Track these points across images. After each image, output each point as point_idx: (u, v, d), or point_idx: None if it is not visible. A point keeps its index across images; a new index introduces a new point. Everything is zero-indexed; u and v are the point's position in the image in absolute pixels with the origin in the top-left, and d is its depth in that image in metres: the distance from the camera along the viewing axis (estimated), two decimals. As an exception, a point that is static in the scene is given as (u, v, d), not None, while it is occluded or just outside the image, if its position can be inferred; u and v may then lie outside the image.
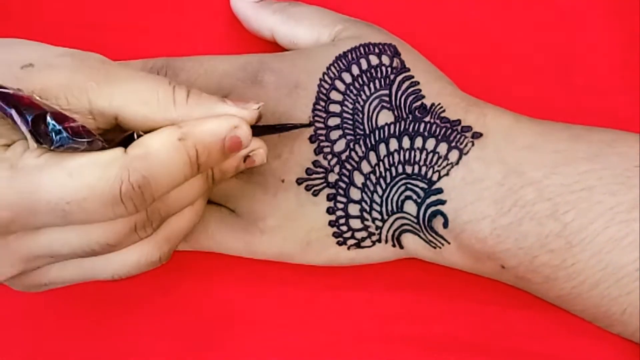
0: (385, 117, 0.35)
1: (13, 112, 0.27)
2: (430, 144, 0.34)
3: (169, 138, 0.30)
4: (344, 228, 0.35)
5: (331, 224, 0.35)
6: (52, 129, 0.27)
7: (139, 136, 0.30)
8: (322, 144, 0.35)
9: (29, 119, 0.27)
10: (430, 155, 0.34)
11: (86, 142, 0.28)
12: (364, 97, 0.35)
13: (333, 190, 0.35)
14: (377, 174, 0.35)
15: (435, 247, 0.35)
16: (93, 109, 0.30)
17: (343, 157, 0.35)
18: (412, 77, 0.35)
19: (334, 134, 0.35)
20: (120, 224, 0.30)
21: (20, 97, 0.27)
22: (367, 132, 0.35)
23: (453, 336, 0.37)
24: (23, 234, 0.29)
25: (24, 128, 0.27)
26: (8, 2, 0.41)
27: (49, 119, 0.27)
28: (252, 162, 0.33)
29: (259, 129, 0.33)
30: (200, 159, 0.30)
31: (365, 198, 0.35)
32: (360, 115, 0.35)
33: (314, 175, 0.35)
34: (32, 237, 0.30)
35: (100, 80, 0.30)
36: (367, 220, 0.35)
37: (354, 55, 0.36)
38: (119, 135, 0.30)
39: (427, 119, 0.35)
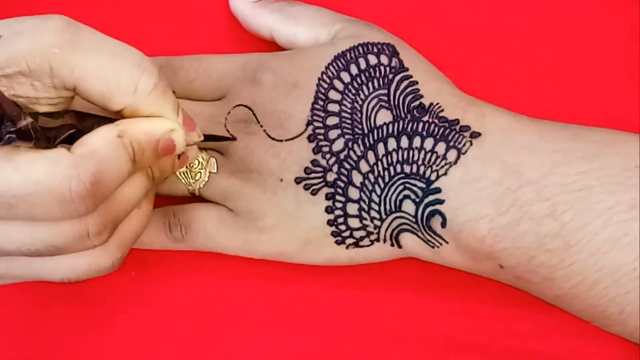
0: (383, 117, 0.35)
1: None
2: (429, 143, 0.34)
3: (109, 134, 0.29)
4: (343, 227, 0.35)
5: (330, 223, 0.35)
6: (5, 129, 0.27)
7: (80, 135, 0.30)
8: (320, 143, 0.35)
9: None
10: (428, 155, 0.34)
11: (33, 142, 0.28)
12: (362, 96, 0.35)
13: (331, 190, 0.35)
14: (376, 174, 0.35)
15: (433, 247, 0.35)
16: (54, 75, 0.29)
17: (341, 156, 0.35)
18: (411, 76, 0.35)
19: (333, 133, 0.35)
20: (68, 226, 0.29)
21: None
22: (366, 131, 0.35)
23: (453, 336, 0.37)
24: None
25: None
26: (7, 2, 0.41)
27: (5, 121, 0.27)
28: (186, 158, 0.34)
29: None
30: (137, 156, 0.30)
31: (364, 197, 0.35)
32: (359, 115, 0.35)
33: (313, 175, 0.35)
34: None
35: (64, 47, 0.29)
36: (366, 219, 0.35)
37: (352, 54, 0.36)
38: (61, 132, 0.30)
39: (425, 118, 0.35)
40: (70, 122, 0.30)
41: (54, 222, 0.29)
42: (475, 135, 0.34)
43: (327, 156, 0.35)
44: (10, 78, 0.29)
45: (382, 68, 0.35)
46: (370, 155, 0.35)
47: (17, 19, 0.30)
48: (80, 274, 0.32)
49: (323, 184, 0.35)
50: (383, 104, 0.35)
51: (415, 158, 0.34)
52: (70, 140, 0.30)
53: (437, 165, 0.34)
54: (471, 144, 0.34)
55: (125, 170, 0.30)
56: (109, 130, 0.30)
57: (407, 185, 0.34)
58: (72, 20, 0.30)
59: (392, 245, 0.36)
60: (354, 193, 0.35)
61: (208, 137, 0.35)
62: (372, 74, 0.35)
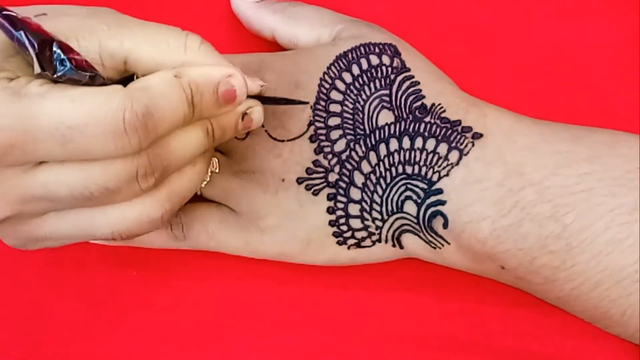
0: (385, 117, 0.35)
1: (22, 33, 0.27)
2: (431, 144, 0.34)
3: (165, 74, 0.29)
4: (344, 228, 0.35)
5: (331, 223, 0.35)
6: (57, 58, 0.27)
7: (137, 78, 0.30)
8: (322, 144, 0.35)
9: (35, 44, 0.27)
10: (430, 156, 0.34)
11: (88, 76, 0.28)
12: (364, 96, 0.35)
13: (333, 190, 0.35)
14: (377, 174, 0.35)
15: (435, 248, 0.35)
16: (102, 51, 0.29)
17: (343, 156, 0.35)
18: (413, 77, 0.35)
19: (335, 134, 0.35)
20: (120, 165, 0.29)
21: (29, 22, 0.27)
22: (368, 132, 0.35)
23: (453, 336, 0.37)
24: (21, 170, 0.29)
25: (30, 50, 0.27)
26: (7, 3, 0.41)
27: (54, 46, 0.27)
28: (250, 121, 0.33)
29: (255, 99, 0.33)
30: (195, 98, 0.30)
31: (366, 198, 0.35)
32: (361, 115, 0.35)
33: (314, 175, 0.35)
34: (29, 174, 0.29)
35: (112, 24, 0.30)
36: (367, 220, 0.35)
37: (354, 55, 0.36)
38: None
39: (427, 119, 0.35)
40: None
41: (107, 162, 0.29)
42: (477, 136, 0.34)
43: (329, 156, 0.35)
44: None
45: (384, 68, 0.35)
46: (372, 156, 0.35)
47: (63, 5, 0.31)
48: (130, 226, 0.31)
49: (325, 184, 0.35)
50: (385, 104, 0.35)
51: (417, 159, 0.34)
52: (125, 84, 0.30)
53: (439, 166, 0.34)
54: (473, 145, 0.34)
55: (181, 111, 0.30)
56: (166, 71, 0.30)
57: (409, 186, 0.34)
58: (116, 12, 0.31)
59: (394, 245, 0.36)
60: (355, 194, 0.35)
61: (277, 100, 0.34)
62: (374, 75, 0.35)
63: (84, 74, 0.28)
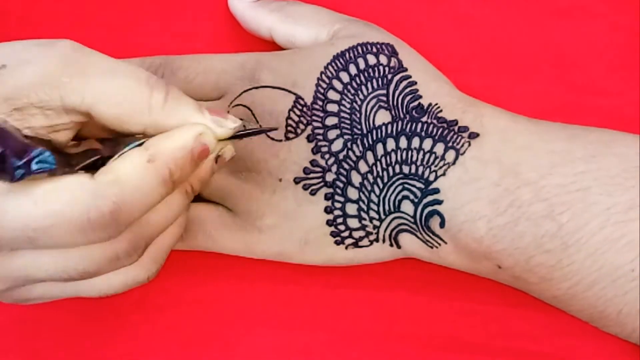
0: (382, 117, 0.35)
1: None
2: (427, 144, 0.34)
3: (138, 161, 0.28)
4: (342, 227, 0.35)
5: (329, 223, 0.35)
6: (13, 165, 0.26)
7: (104, 161, 0.29)
8: (319, 144, 0.35)
9: None
10: (427, 156, 0.34)
11: (47, 172, 0.27)
12: (361, 96, 0.35)
13: (331, 190, 0.35)
14: (375, 174, 0.35)
15: (432, 247, 0.35)
16: (65, 104, 0.29)
17: (340, 156, 0.35)
18: (410, 76, 0.35)
19: (332, 134, 0.35)
20: (97, 251, 0.29)
21: None
22: (365, 131, 0.35)
23: (452, 336, 0.37)
24: None
25: None
26: (7, 2, 0.41)
27: (8, 154, 0.26)
28: (224, 160, 0.32)
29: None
30: (174, 176, 0.29)
31: (363, 197, 0.35)
32: (358, 115, 0.35)
33: (312, 175, 0.35)
34: (7, 258, 0.29)
35: (73, 75, 0.29)
36: (365, 219, 0.35)
37: (351, 54, 0.36)
38: (84, 158, 0.29)
39: (424, 119, 0.35)
40: (93, 148, 0.30)
41: (83, 248, 0.28)
42: (474, 135, 0.34)
43: (326, 156, 0.35)
44: (22, 111, 0.28)
45: (381, 68, 0.35)
46: (369, 156, 0.35)
47: (22, 44, 0.30)
48: (117, 290, 0.31)
49: (322, 184, 0.35)
50: (382, 104, 0.35)
51: (414, 158, 0.34)
52: (94, 167, 0.29)
53: (436, 166, 0.34)
54: (469, 145, 0.34)
55: (156, 195, 0.29)
56: (139, 155, 0.29)
57: (406, 185, 0.34)
58: (77, 45, 0.30)
59: (391, 245, 0.36)
60: (353, 193, 0.35)
61: (245, 134, 0.33)
62: (371, 74, 0.35)
63: (43, 171, 0.26)
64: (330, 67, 0.35)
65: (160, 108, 0.30)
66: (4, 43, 0.30)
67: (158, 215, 0.30)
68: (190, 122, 0.30)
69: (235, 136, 0.32)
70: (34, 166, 0.26)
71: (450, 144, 0.34)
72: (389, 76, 0.35)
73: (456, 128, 0.34)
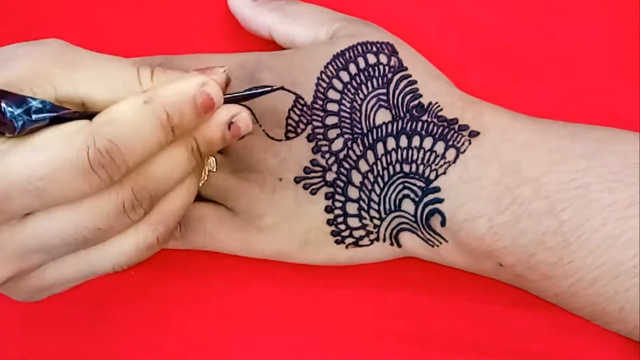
0: (382, 116, 0.35)
1: None
2: (428, 142, 0.34)
3: (134, 102, 0.28)
4: (342, 227, 0.35)
5: (329, 222, 0.35)
6: (11, 116, 0.27)
7: None
8: (320, 143, 0.35)
9: None
10: (427, 154, 0.34)
11: (48, 118, 0.27)
12: (361, 95, 0.35)
13: (331, 189, 0.35)
14: (375, 173, 0.35)
15: (433, 246, 0.35)
16: (59, 95, 0.29)
17: (341, 155, 0.35)
18: (410, 75, 0.35)
19: (332, 133, 0.35)
20: (106, 203, 0.29)
21: None
22: (365, 131, 0.35)
23: (452, 335, 0.37)
24: (8, 227, 0.29)
25: None
26: (7, 2, 0.41)
27: (3, 105, 0.27)
28: (238, 129, 0.31)
29: (229, 99, 0.31)
30: (173, 120, 0.29)
31: (363, 197, 0.35)
32: (358, 114, 0.35)
33: (312, 174, 0.35)
34: (18, 229, 0.29)
35: (64, 67, 0.29)
36: (365, 218, 0.35)
37: (351, 53, 0.36)
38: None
39: (424, 117, 0.35)
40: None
41: (92, 202, 0.29)
42: (474, 134, 0.34)
43: (327, 155, 0.35)
44: None
45: (381, 67, 0.35)
46: (370, 155, 0.35)
47: (10, 46, 0.30)
48: (129, 257, 0.31)
49: (322, 183, 0.35)
50: (382, 103, 0.35)
51: (415, 157, 0.34)
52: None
53: (436, 165, 0.34)
54: (470, 143, 0.34)
55: (154, 138, 0.29)
56: (135, 96, 0.28)
57: (407, 184, 0.34)
58: (65, 43, 0.30)
59: (392, 244, 0.36)
60: (353, 192, 0.35)
61: (252, 93, 0.32)
62: (371, 73, 0.35)
63: (44, 117, 0.27)
64: (330, 66, 0.35)
65: (149, 80, 0.30)
66: None
67: (160, 168, 0.30)
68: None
69: (241, 97, 0.31)
70: (33, 115, 0.27)
71: (450, 143, 0.34)
72: (389, 75, 0.35)
73: (456, 127, 0.34)
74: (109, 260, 0.31)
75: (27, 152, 0.28)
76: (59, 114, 0.28)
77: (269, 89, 0.32)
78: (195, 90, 0.29)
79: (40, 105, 0.27)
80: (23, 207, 0.28)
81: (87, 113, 0.29)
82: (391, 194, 0.35)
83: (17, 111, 0.27)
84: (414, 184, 0.34)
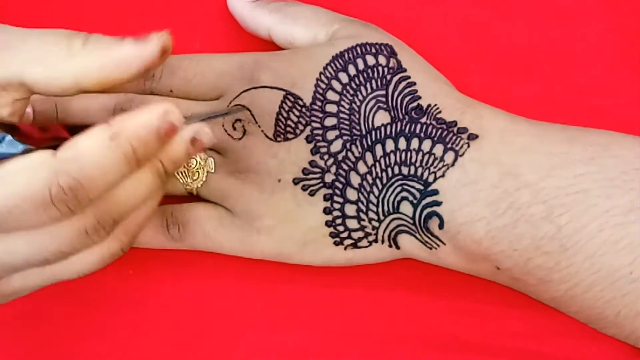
0: (381, 118, 0.35)
1: None
2: (427, 145, 0.34)
3: (99, 137, 0.28)
4: (341, 228, 0.35)
5: (328, 224, 0.35)
6: None
7: None
8: (318, 144, 0.35)
9: None
10: (426, 157, 0.34)
11: (21, 152, 0.27)
12: (360, 97, 0.35)
13: (330, 191, 0.35)
14: (374, 175, 0.35)
15: (430, 248, 0.35)
16: None
17: (339, 157, 0.35)
18: (409, 77, 0.35)
19: (331, 134, 0.35)
20: (67, 229, 0.29)
21: None
22: (364, 132, 0.35)
23: (452, 336, 0.37)
24: None
25: None
26: (6, 2, 0.41)
27: None
28: (201, 144, 0.30)
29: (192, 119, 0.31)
30: (138, 152, 0.28)
31: (362, 198, 0.35)
32: (357, 116, 0.35)
33: (311, 176, 0.35)
34: None
35: None
36: (364, 220, 0.35)
37: (350, 55, 0.35)
38: (52, 143, 0.29)
39: (423, 120, 0.35)
40: (61, 136, 0.30)
41: (54, 227, 0.28)
42: (473, 137, 0.34)
43: (325, 157, 0.35)
44: None
45: (380, 69, 0.35)
46: (368, 157, 0.35)
47: None
48: (93, 267, 0.31)
49: (321, 184, 0.35)
50: (381, 105, 0.35)
51: (413, 160, 0.34)
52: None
53: (435, 167, 0.34)
54: (468, 146, 0.34)
55: (117, 172, 0.28)
56: (101, 130, 0.28)
57: (405, 186, 0.34)
58: None
59: (390, 246, 0.36)
60: (352, 194, 0.35)
61: (213, 116, 0.33)
62: (370, 75, 0.35)
63: (12, 153, 0.27)
64: (329, 67, 0.35)
65: (80, 49, 0.29)
66: None
67: (126, 193, 0.30)
68: (112, 54, 0.29)
69: (205, 118, 0.31)
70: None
71: (449, 145, 0.34)
72: (388, 77, 0.35)
73: (455, 129, 0.34)
74: (74, 271, 0.31)
75: None
76: (18, 151, 0.28)
77: (234, 108, 0.34)
78: (158, 122, 0.28)
79: (5, 140, 0.28)
80: None
81: (53, 146, 0.28)
82: (389, 196, 0.35)
83: None
84: (413, 187, 0.34)
